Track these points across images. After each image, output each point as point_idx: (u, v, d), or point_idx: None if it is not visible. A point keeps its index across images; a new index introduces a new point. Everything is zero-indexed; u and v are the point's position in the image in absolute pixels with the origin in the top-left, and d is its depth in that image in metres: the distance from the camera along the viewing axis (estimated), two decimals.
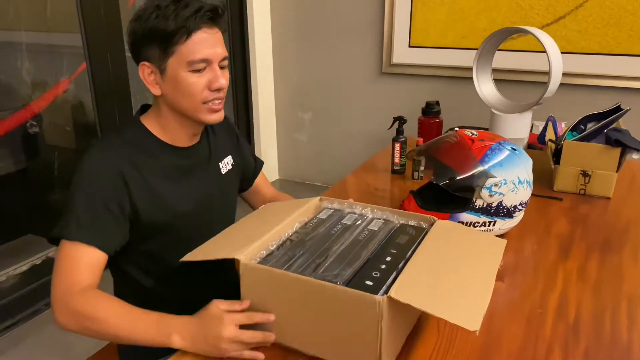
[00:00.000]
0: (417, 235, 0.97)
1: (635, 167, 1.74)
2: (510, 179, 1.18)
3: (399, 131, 1.65)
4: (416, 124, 1.76)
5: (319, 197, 1.13)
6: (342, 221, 1.02)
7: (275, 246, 0.94)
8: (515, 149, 1.23)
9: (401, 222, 1.03)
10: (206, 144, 1.16)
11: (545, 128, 1.77)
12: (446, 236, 0.95)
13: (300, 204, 1.09)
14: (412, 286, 0.79)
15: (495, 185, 1.18)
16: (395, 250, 0.91)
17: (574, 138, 1.53)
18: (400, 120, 1.65)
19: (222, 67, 1.03)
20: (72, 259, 0.94)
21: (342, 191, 1.57)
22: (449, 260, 0.88)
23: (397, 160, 1.66)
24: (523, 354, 0.88)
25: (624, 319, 0.97)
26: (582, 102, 2.21)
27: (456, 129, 1.94)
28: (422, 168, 1.61)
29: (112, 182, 0.98)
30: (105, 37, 2.15)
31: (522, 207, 1.24)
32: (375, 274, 0.84)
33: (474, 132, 1.26)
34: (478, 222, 1.22)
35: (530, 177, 1.23)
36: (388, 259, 0.88)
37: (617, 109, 1.52)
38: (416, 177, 1.62)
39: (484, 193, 1.18)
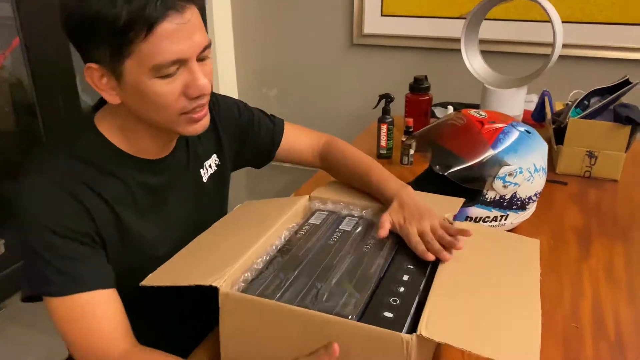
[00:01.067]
0: None
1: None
2: (526, 166, 1.02)
3: (385, 111, 1.47)
4: (402, 102, 1.58)
5: (307, 196, 0.94)
6: (339, 227, 0.84)
7: (262, 264, 0.75)
8: (529, 132, 1.07)
9: None
10: (184, 149, 0.90)
11: (540, 104, 1.63)
12: (469, 242, 0.78)
13: (286, 205, 0.90)
14: (443, 316, 0.62)
15: (510, 174, 1.02)
16: (412, 266, 0.73)
17: (580, 116, 1.38)
18: (387, 98, 1.47)
19: (202, 60, 0.75)
20: (84, 319, 0.72)
21: (324, 179, 1.38)
22: (479, 275, 0.71)
23: (383, 143, 1.48)
24: None
25: None
26: (574, 76, 2.08)
27: (449, 107, 1.78)
28: (412, 152, 1.44)
29: (71, 207, 0.73)
30: (39, 6, 1.85)
31: (537, 197, 1.08)
32: (393, 300, 0.66)
33: (482, 112, 1.09)
34: (489, 217, 1.06)
35: (546, 164, 1.08)
36: (405, 277, 0.71)
37: (625, 82, 1.38)
38: (405, 162, 1.45)
39: (497, 184, 1.02)
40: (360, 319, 0.63)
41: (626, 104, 1.38)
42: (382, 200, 0.91)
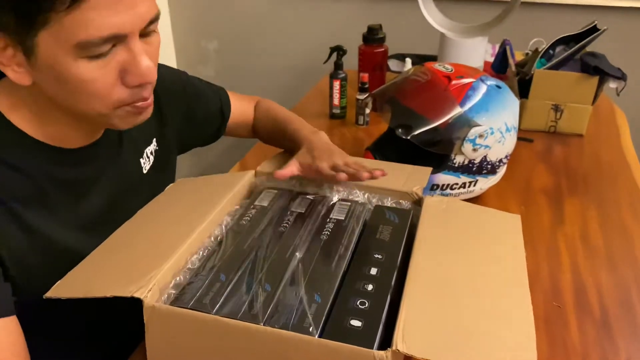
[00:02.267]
0: (403, 223, 0.68)
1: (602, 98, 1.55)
2: (497, 126, 0.92)
3: (338, 65, 1.32)
4: (355, 55, 1.43)
5: (252, 172, 0.79)
6: (291, 209, 0.71)
7: (198, 262, 0.61)
8: (499, 86, 0.96)
9: (374, 202, 0.73)
10: (115, 134, 0.72)
11: (501, 54, 1.52)
12: (444, 223, 0.67)
13: (227, 183, 0.76)
14: (422, 323, 0.50)
15: (480, 136, 0.91)
16: (380, 256, 0.61)
17: (545, 66, 1.29)
18: (338, 51, 1.32)
19: (146, 35, 0.58)
20: None
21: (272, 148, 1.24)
22: (459, 265, 0.60)
23: (336, 102, 1.34)
24: None
25: None
26: (536, 24, 1.97)
27: (407, 60, 1.64)
28: (367, 111, 1.31)
29: None
30: None
31: (507, 159, 0.98)
32: (361, 303, 0.54)
33: (448, 66, 0.96)
34: (457, 184, 0.95)
35: (517, 122, 0.97)
36: (373, 271, 0.59)
37: (593, 29, 1.29)
38: (361, 123, 1.32)
39: (467, 147, 0.91)
40: (323, 330, 0.51)
41: (594, 52, 1.29)
42: (297, 151, 0.81)
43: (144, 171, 0.77)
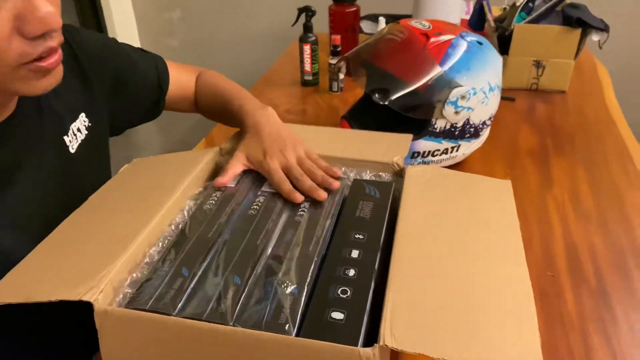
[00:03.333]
0: (384, 197, 0.62)
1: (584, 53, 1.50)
2: (479, 86, 0.85)
3: (307, 27, 1.23)
4: (325, 16, 1.34)
5: (217, 149, 0.72)
6: (262, 188, 0.64)
7: (157, 255, 0.54)
8: (480, 43, 0.89)
9: (352, 176, 0.67)
10: (34, 109, 0.63)
11: (478, 10, 1.45)
12: (429, 195, 0.61)
13: (188, 162, 0.68)
14: (411, 312, 0.45)
15: (463, 97, 0.84)
16: (362, 236, 0.55)
17: (525, 20, 1.22)
18: (307, 12, 1.23)
19: None
20: None
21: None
22: (450, 243, 0.54)
23: (307, 67, 1.26)
24: (554, 351, 0.61)
25: None
26: None
27: (380, 20, 1.56)
28: (341, 76, 1.23)
29: None
30: None
31: (490, 121, 0.93)
32: (342, 292, 0.48)
33: (425, 22, 0.89)
34: (438, 150, 0.89)
35: (500, 80, 0.91)
36: (354, 254, 0.53)
37: None
38: (335, 89, 1.24)
39: (448, 110, 0.85)
40: (301, 326, 0.45)
41: (574, 3, 1.23)
42: (243, 135, 0.73)
43: (72, 150, 0.68)
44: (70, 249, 0.54)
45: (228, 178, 0.64)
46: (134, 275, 0.51)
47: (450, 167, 0.92)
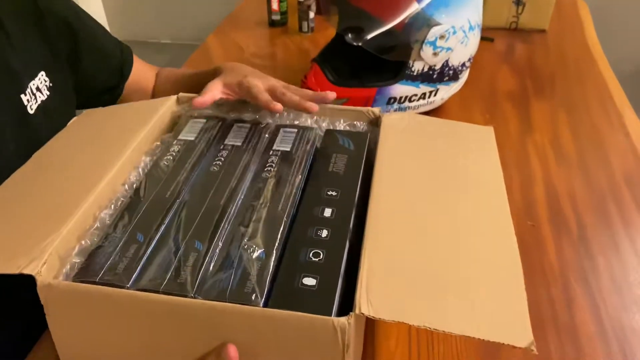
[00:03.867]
0: (359, 149, 0.57)
1: None
2: (459, 24, 0.80)
3: None
4: None
5: (174, 97, 0.65)
6: (225, 141, 0.58)
7: (108, 219, 0.49)
8: None
9: (324, 126, 0.62)
10: None
11: None
12: (407, 145, 0.57)
13: (144, 112, 0.62)
14: (388, 275, 0.41)
15: (442, 37, 0.79)
16: (334, 192, 0.51)
17: None
18: None
19: None
20: None
21: (205, 62, 1.08)
22: (430, 197, 0.50)
23: (275, 6, 1.17)
24: (536, 303, 0.59)
25: (636, 213, 0.71)
26: None
27: None
28: (312, 15, 1.15)
29: None
30: None
31: (470, 62, 0.88)
32: (314, 255, 0.44)
33: None
34: (416, 95, 0.84)
35: (481, 18, 0.86)
36: (327, 212, 0.48)
37: None
38: (306, 30, 1.17)
39: (426, 51, 0.79)
40: (269, 295, 0.41)
41: None
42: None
43: (30, 111, 0.61)
44: (9, 214, 0.48)
45: (208, 97, 0.60)
46: (83, 242, 0.46)
47: (427, 113, 0.88)
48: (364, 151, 0.56)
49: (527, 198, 0.73)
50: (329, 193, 0.50)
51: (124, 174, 0.54)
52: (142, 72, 0.80)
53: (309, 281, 0.42)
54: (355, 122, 0.62)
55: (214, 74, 0.68)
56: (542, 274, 0.63)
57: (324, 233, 0.46)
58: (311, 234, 0.46)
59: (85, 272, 0.43)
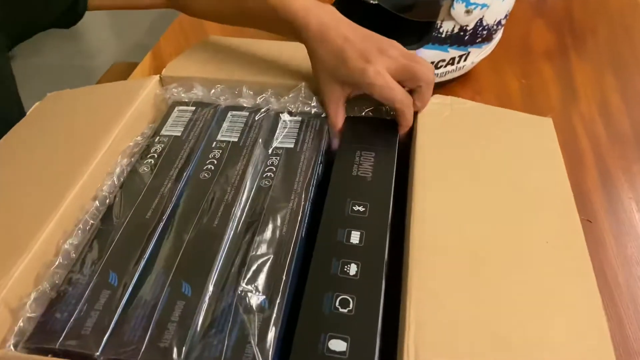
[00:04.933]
0: (389, 144, 0.45)
1: None
2: None
3: None
4: None
5: (157, 77, 0.53)
6: (219, 137, 0.47)
7: (73, 251, 0.38)
8: None
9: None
10: None
11: None
12: (451, 143, 0.45)
13: (120, 98, 0.50)
14: (442, 334, 0.31)
15: None
16: (362, 207, 0.40)
17: None
18: None
19: None
20: None
21: (195, 32, 0.94)
22: (485, 223, 0.39)
23: None
24: None
25: None
26: None
27: None
28: None
29: None
30: None
31: (506, 20, 0.74)
32: (341, 303, 0.34)
33: None
34: (444, 60, 0.72)
35: None
36: (354, 238, 0.38)
37: None
38: None
39: (458, 9, 0.66)
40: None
41: None
42: (284, 34, 0.50)
43: None
44: None
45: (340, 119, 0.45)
46: (41, 287, 0.36)
47: (453, 80, 0.75)
48: (395, 147, 0.45)
49: (578, 186, 0.62)
50: (355, 208, 0.39)
51: (95, 183, 0.43)
52: None
53: (338, 345, 0.31)
54: (381, 106, 0.50)
55: (279, 26, 0.49)
56: (604, 280, 0.52)
57: (352, 269, 0.35)
58: (335, 270, 0.35)
59: (42, 335, 0.33)
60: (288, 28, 0.48)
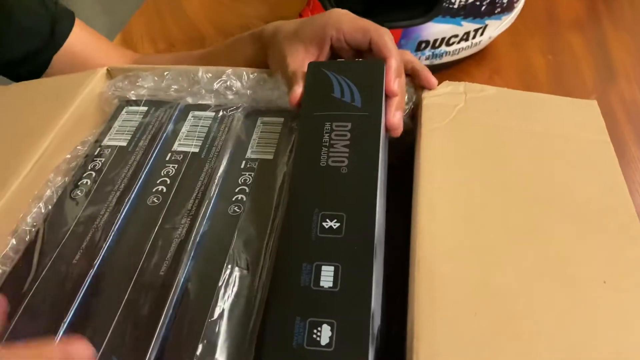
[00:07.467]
0: (374, 106, 0.35)
1: None
2: None
3: None
4: None
5: (103, 70, 0.43)
6: (175, 147, 0.37)
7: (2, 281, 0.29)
8: None
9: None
10: None
11: None
12: (466, 141, 0.35)
13: (60, 94, 0.40)
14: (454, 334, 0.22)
15: None
16: (338, 222, 0.29)
17: None
18: None
19: None
20: None
21: (172, 12, 0.83)
22: (511, 235, 0.29)
23: None
24: None
25: None
26: None
27: None
28: None
29: None
30: None
31: None
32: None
33: None
34: (457, 36, 0.61)
35: None
36: (325, 277, 0.28)
37: None
38: None
39: None
40: None
41: None
42: (260, 53, 0.43)
43: None
44: None
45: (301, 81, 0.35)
46: None
47: (467, 58, 0.65)
48: (380, 108, 0.33)
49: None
50: (326, 225, 0.29)
51: (17, 212, 0.34)
52: (88, 44, 0.55)
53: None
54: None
55: (252, 43, 0.45)
56: None
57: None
58: (300, 341, 0.25)
59: None
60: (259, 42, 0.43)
